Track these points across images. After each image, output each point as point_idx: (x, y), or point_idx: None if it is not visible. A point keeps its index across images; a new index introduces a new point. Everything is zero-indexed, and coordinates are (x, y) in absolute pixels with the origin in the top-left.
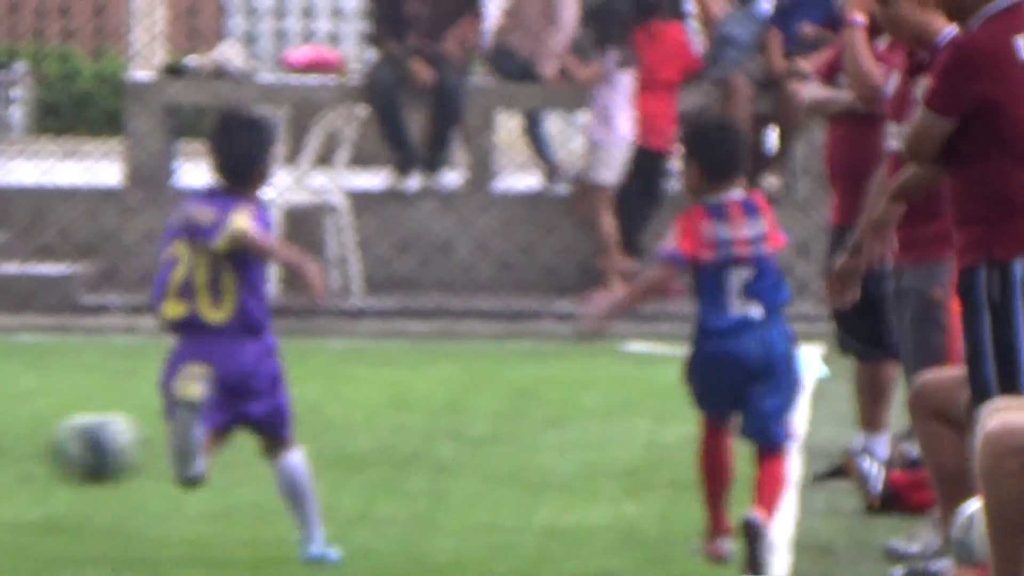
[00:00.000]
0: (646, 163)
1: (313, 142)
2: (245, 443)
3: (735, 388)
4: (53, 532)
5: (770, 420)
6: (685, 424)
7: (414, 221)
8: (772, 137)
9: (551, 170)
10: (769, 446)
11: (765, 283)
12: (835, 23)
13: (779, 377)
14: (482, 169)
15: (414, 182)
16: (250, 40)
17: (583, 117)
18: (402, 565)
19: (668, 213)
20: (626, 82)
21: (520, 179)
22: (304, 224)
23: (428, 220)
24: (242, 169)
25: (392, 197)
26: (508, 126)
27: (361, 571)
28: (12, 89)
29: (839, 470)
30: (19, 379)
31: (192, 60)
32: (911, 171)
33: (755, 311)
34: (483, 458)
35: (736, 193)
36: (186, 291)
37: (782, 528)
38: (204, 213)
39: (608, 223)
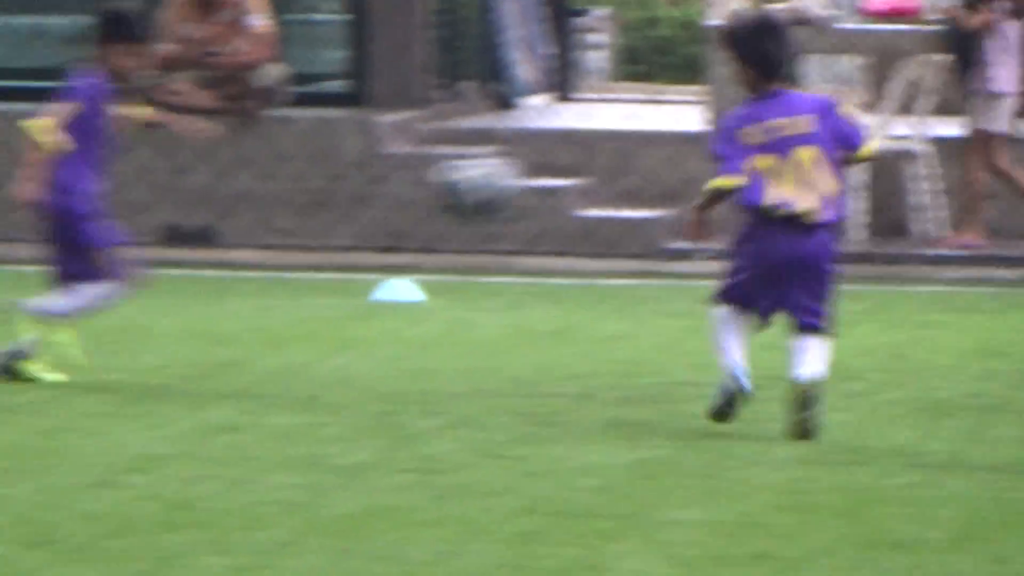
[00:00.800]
0: None
1: (895, 91)
2: (833, 387)
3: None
4: (646, 476)
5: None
6: None
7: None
8: None
9: None
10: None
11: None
12: None
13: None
14: None
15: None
16: None
17: None
18: (996, 510)
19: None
20: (1012, 34)
21: None
22: (887, 171)
23: (1007, 168)
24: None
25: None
26: None
27: (956, 516)
28: (590, 35)
29: None
30: (605, 324)
31: (773, 8)
32: None
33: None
34: None
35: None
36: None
37: None
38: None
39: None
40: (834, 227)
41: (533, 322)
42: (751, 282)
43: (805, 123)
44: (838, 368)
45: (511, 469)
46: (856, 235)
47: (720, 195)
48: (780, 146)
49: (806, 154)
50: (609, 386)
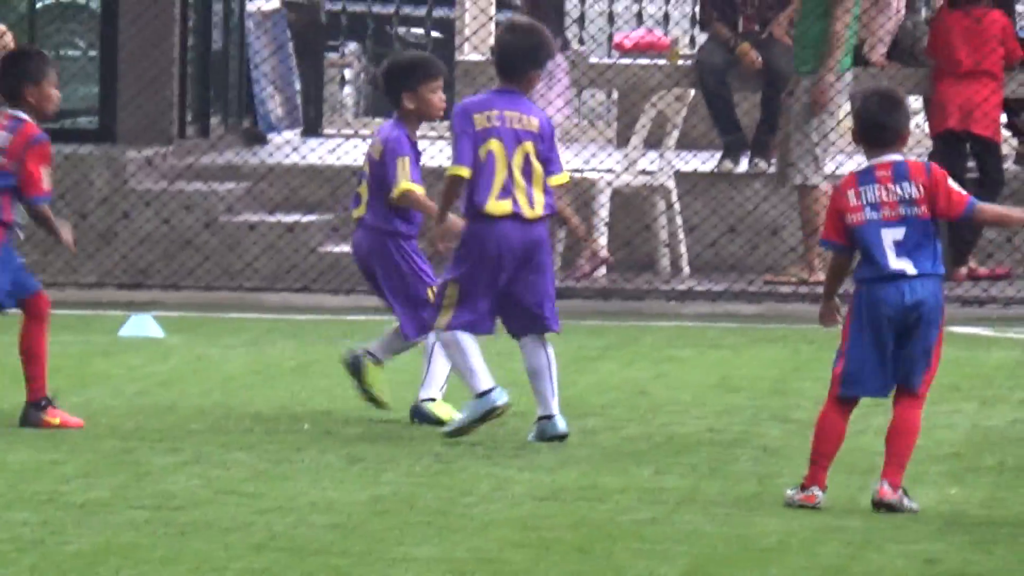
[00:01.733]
0: (977, 149)
1: (644, 124)
2: (570, 424)
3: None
4: (382, 512)
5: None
6: (1009, 407)
7: (742, 203)
8: None
9: None
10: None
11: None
12: None
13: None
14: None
15: (742, 165)
16: (581, 23)
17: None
18: (727, 547)
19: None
20: None
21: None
22: (634, 205)
23: (756, 203)
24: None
25: (720, 179)
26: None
27: (688, 552)
28: (341, 70)
29: None
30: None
31: None
32: None
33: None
34: (809, 441)
35: (889, 157)
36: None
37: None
38: None
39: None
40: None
41: (275, 358)
42: (475, 291)
43: (534, 124)
44: (578, 405)
45: (248, 506)
46: (599, 271)
47: (457, 184)
48: (509, 136)
49: (531, 147)
50: (349, 422)
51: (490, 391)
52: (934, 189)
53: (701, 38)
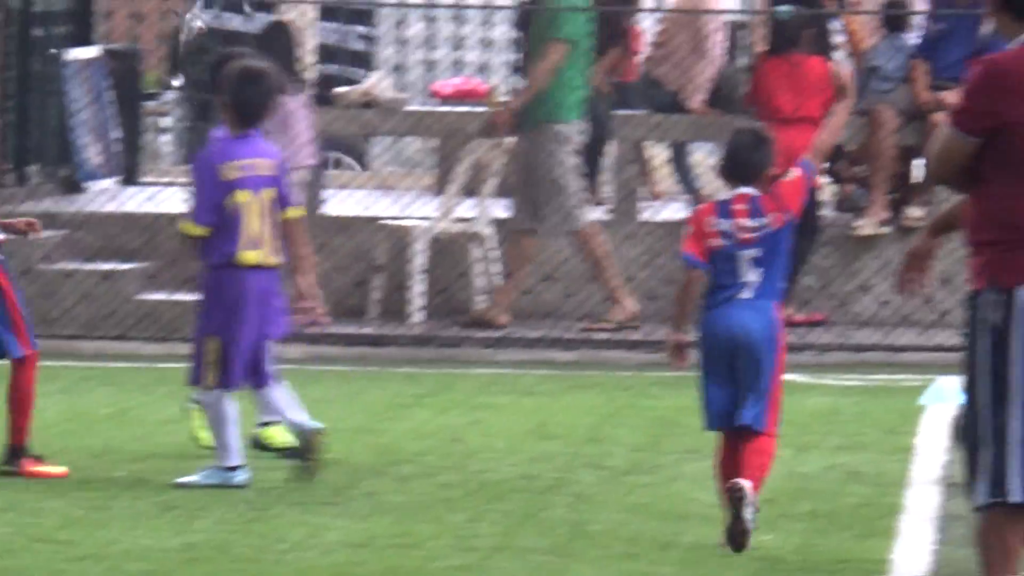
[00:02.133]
0: None
1: (461, 171)
2: (384, 471)
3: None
4: (195, 560)
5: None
6: (824, 453)
7: (559, 250)
8: (918, 168)
9: (697, 200)
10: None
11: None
12: (983, 54)
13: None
14: (628, 199)
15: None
16: (399, 70)
17: None
18: None
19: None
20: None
21: (666, 209)
22: (451, 252)
23: (573, 250)
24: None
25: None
26: (656, 156)
27: None
28: (160, 118)
29: None
30: (162, 407)
31: (342, 90)
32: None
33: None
34: (623, 488)
35: (746, 190)
36: None
37: (920, 559)
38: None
39: None
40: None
41: (91, 406)
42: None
43: (269, 166)
44: (392, 451)
45: (60, 553)
46: (415, 318)
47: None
48: (253, 183)
49: (268, 195)
50: (163, 470)
51: (236, 468)
52: (782, 203)
53: (520, 85)
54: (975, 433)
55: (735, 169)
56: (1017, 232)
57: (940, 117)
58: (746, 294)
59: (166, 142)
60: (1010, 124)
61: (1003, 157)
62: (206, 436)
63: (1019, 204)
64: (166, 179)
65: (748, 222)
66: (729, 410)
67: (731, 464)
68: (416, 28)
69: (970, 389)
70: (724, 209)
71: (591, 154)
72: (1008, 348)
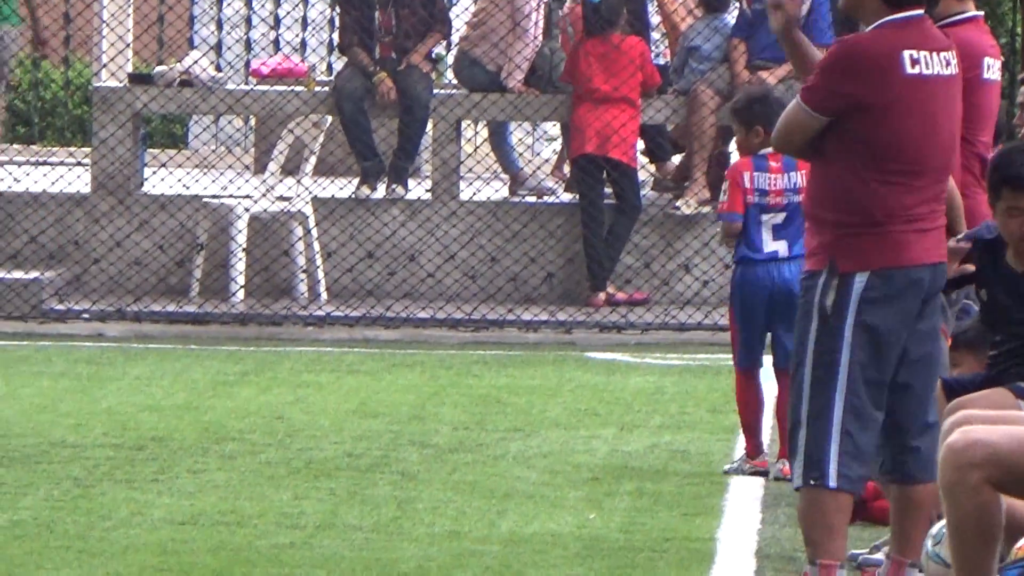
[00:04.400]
0: (615, 175)
1: (280, 150)
2: (209, 448)
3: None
4: (19, 537)
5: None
6: (647, 433)
7: (380, 229)
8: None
9: (516, 180)
10: None
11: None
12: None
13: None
14: (448, 178)
15: (380, 191)
16: (218, 50)
17: (549, 129)
18: (366, 572)
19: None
20: None
21: (485, 189)
22: (271, 231)
23: (394, 228)
24: None
25: (358, 205)
26: (474, 136)
27: None
28: None
29: None
30: None
31: (160, 69)
32: None
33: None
34: (448, 466)
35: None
36: None
37: (745, 538)
38: None
39: None
40: None
41: None
42: None
43: None
44: (216, 429)
45: None
46: (235, 296)
47: None
48: None
49: None
50: None
51: None
52: None
53: (338, 65)
54: (797, 413)
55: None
56: (858, 216)
57: None
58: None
59: None
60: (860, 107)
61: (849, 139)
62: None
63: (860, 188)
64: None
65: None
66: None
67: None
68: (235, 6)
69: (796, 369)
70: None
71: (408, 134)
72: (838, 334)
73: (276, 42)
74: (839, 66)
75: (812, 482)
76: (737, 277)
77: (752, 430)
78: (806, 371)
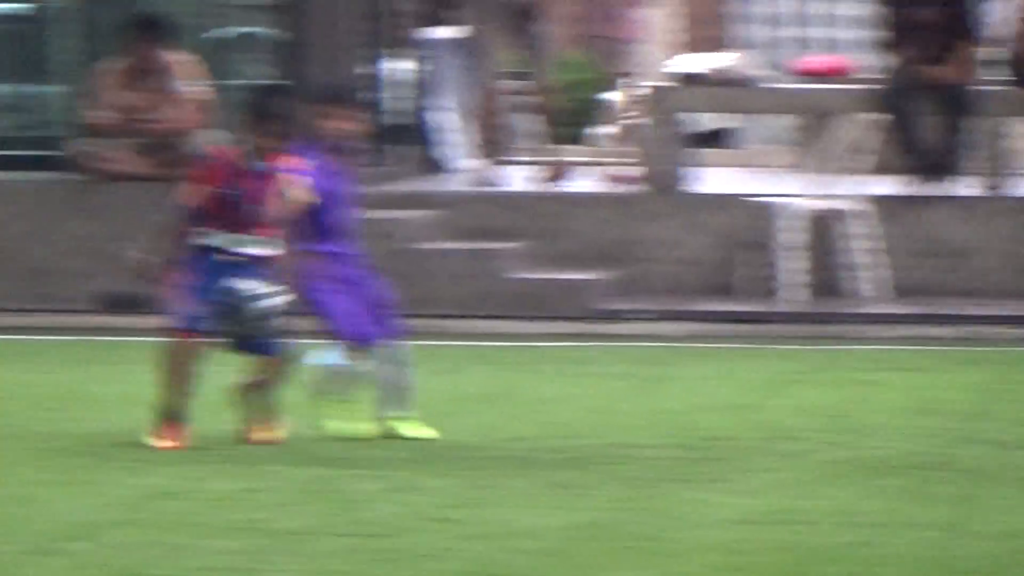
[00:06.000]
0: None
1: (834, 149)
2: (768, 448)
3: None
4: (585, 538)
5: None
6: None
7: (934, 227)
8: None
9: None
10: None
11: None
12: None
13: None
14: (997, 175)
15: (931, 188)
16: (766, 48)
17: None
18: (930, 571)
19: None
20: None
21: None
22: (827, 229)
23: (947, 226)
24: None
25: (912, 203)
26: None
27: (895, 575)
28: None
29: None
30: (542, 387)
31: (704, 68)
32: None
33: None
34: (1015, 463)
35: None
36: None
37: None
38: None
39: None
40: None
41: (469, 386)
42: None
43: None
44: (776, 428)
45: (451, 532)
46: (794, 295)
47: None
48: None
49: None
50: (547, 448)
51: None
52: None
53: (881, 63)
54: None
55: None
56: None
57: None
58: None
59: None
60: None
61: None
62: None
63: None
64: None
65: None
66: None
67: None
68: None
69: None
70: None
71: (959, 130)
72: None
73: (829, 41)
74: None
75: None
76: None
77: None
78: None
